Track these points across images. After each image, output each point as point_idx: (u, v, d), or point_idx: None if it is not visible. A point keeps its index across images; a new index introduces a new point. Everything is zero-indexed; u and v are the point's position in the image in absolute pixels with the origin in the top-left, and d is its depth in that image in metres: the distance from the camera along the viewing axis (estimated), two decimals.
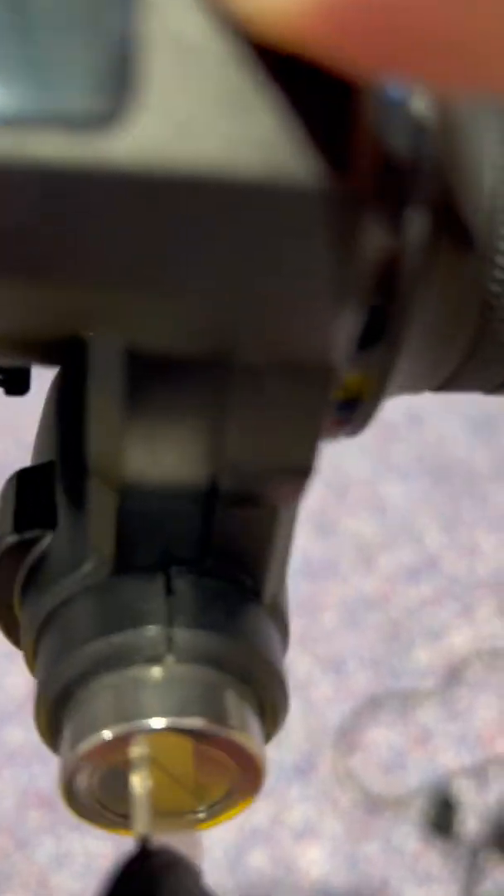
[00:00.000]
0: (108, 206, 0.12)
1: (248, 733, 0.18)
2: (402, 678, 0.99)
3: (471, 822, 0.89)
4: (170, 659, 0.17)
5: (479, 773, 0.92)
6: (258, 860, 0.88)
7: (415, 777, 0.93)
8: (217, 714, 0.17)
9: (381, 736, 0.96)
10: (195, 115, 0.11)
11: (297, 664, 0.99)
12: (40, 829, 0.90)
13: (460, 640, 1.02)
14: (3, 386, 0.19)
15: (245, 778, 0.18)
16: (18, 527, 0.19)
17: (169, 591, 0.18)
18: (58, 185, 0.11)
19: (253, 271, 0.12)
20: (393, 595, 1.06)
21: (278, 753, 0.92)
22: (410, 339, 0.16)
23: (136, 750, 0.17)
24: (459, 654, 1.01)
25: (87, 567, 0.18)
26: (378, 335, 0.15)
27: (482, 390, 0.19)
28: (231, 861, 0.88)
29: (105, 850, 0.89)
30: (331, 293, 0.13)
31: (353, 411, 0.17)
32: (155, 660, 0.17)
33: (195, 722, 0.17)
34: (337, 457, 1.15)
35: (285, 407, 0.15)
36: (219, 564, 0.18)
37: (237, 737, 0.17)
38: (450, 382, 0.18)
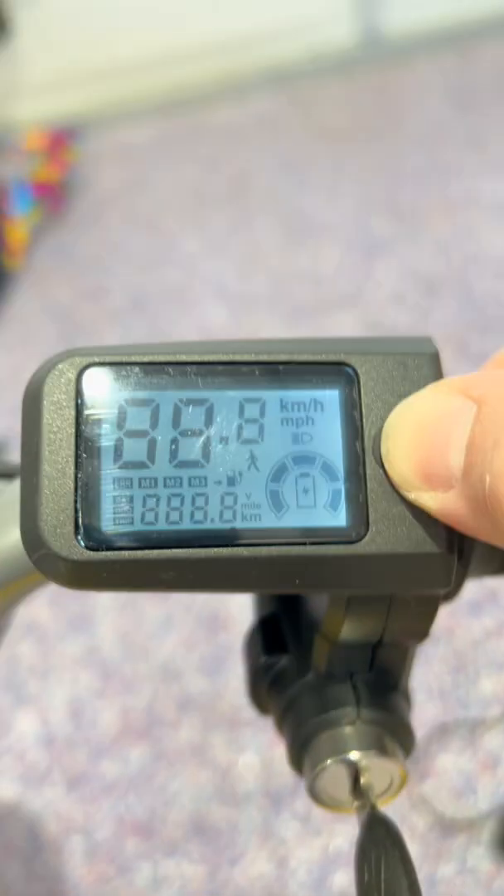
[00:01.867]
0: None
1: (396, 757, 0.32)
2: (468, 707, 1.05)
3: None
4: (358, 723, 0.31)
5: None
6: (341, 881, 0.94)
7: (484, 801, 0.98)
8: (382, 749, 0.31)
9: (451, 762, 1.02)
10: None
11: None
12: (138, 856, 0.98)
13: None
14: None
15: (398, 777, 0.33)
16: (267, 651, 0.34)
17: (355, 688, 0.31)
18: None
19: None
20: (457, 628, 1.12)
21: None
22: (473, 562, 0.31)
23: (362, 762, 0.32)
24: None
25: (310, 677, 0.32)
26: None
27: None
28: (315, 882, 0.94)
29: (197, 873, 0.96)
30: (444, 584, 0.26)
31: (448, 596, 0.31)
32: (350, 724, 0.31)
33: (371, 753, 0.31)
34: None
35: (417, 611, 0.28)
36: (378, 674, 0.32)
37: (391, 759, 0.31)
38: (492, 574, 0.33)
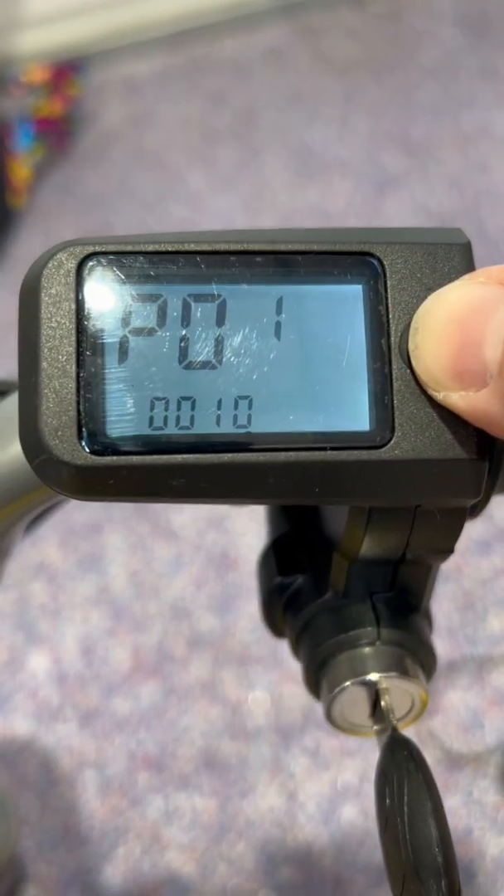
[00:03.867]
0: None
1: (418, 678, 0.31)
2: (476, 645, 1.06)
3: None
4: (378, 644, 0.31)
5: None
6: (350, 814, 0.96)
7: (491, 735, 0.99)
8: (403, 670, 0.30)
9: (459, 698, 1.03)
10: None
11: None
12: (150, 789, 1.00)
13: None
14: None
15: (420, 699, 0.32)
16: (281, 572, 0.33)
17: (374, 608, 0.31)
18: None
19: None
20: (465, 567, 1.12)
21: None
22: (501, 475, 0.29)
23: (382, 684, 0.31)
24: None
25: (328, 596, 0.31)
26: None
27: None
28: (325, 815, 0.96)
29: (208, 806, 0.98)
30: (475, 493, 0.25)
31: (474, 509, 0.30)
32: (370, 644, 0.31)
33: (392, 674, 0.30)
34: None
35: (443, 525, 0.26)
36: (399, 593, 0.31)
37: (412, 680, 0.31)
38: None
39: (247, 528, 1.16)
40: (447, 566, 1.11)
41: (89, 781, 1.00)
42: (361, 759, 0.98)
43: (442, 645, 1.05)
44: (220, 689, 1.05)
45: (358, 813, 0.95)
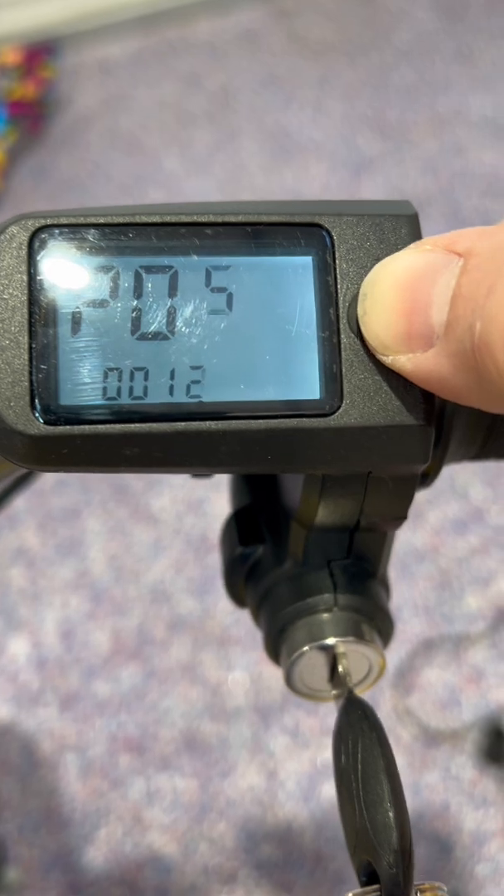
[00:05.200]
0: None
1: (374, 643, 0.31)
2: (453, 623, 1.07)
3: None
4: (335, 610, 0.31)
5: None
6: (330, 791, 0.97)
7: (468, 712, 1.01)
8: (360, 635, 0.31)
9: (436, 676, 1.04)
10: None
11: None
12: (131, 771, 1.00)
13: None
14: None
15: (377, 664, 0.33)
16: (242, 542, 0.34)
17: (332, 575, 0.31)
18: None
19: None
20: (442, 546, 1.13)
21: None
22: (451, 445, 0.30)
23: (339, 648, 0.32)
24: None
25: (287, 565, 0.32)
26: (437, 444, 0.29)
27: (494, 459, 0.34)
28: (305, 792, 0.97)
29: (189, 787, 0.98)
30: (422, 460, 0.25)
31: (426, 478, 0.31)
32: (327, 611, 0.31)
33: (348, 639, 0.31)
34: None
35: (395, 492, 0.27)
36: (356, 560, 0.32)
37: (369, 645, 0.31)
38: (472, 459, 0.33)
39: (226, 510, 1.16)
40: (424, 546, 1.12)
41: (70, 764, 1.01)
42: None
43: (419, 623, 1.06)
44: (199, 670, 1.06)
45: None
